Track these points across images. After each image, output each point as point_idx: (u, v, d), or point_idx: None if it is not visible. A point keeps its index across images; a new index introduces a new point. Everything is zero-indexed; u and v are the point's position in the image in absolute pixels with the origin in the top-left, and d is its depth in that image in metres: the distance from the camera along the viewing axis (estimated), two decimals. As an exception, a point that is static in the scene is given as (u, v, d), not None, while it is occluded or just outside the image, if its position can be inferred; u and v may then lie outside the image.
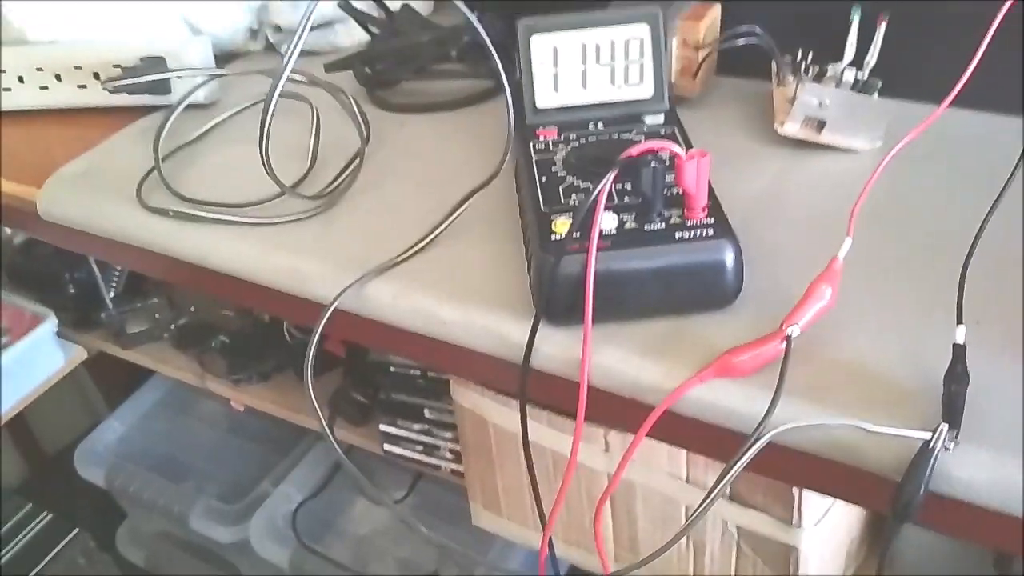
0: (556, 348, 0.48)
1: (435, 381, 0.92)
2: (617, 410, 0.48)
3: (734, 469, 0.40)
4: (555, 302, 0.47)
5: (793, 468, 0.44)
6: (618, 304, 0.48)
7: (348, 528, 1.12)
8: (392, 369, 0.93)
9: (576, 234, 0.47)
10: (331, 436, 0.51)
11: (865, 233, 0.50)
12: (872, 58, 0.61)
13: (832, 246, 0.47)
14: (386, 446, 0.98)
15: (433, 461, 0.96)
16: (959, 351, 0.42)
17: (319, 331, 0.52)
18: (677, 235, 0.47)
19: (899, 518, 0.40)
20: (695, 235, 0.47)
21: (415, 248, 0.55)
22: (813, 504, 0.65)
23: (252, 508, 1.10)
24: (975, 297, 0.44)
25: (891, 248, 0.52)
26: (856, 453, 0.42)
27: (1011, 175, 0.48)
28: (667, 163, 0.49)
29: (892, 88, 0.61)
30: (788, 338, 0.44)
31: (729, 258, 0.47)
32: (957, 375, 0.41)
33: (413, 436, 0.95)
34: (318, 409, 0.50)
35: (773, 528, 0.67)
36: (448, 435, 0.93)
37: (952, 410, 0.40)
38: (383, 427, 0.96)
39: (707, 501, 0.41)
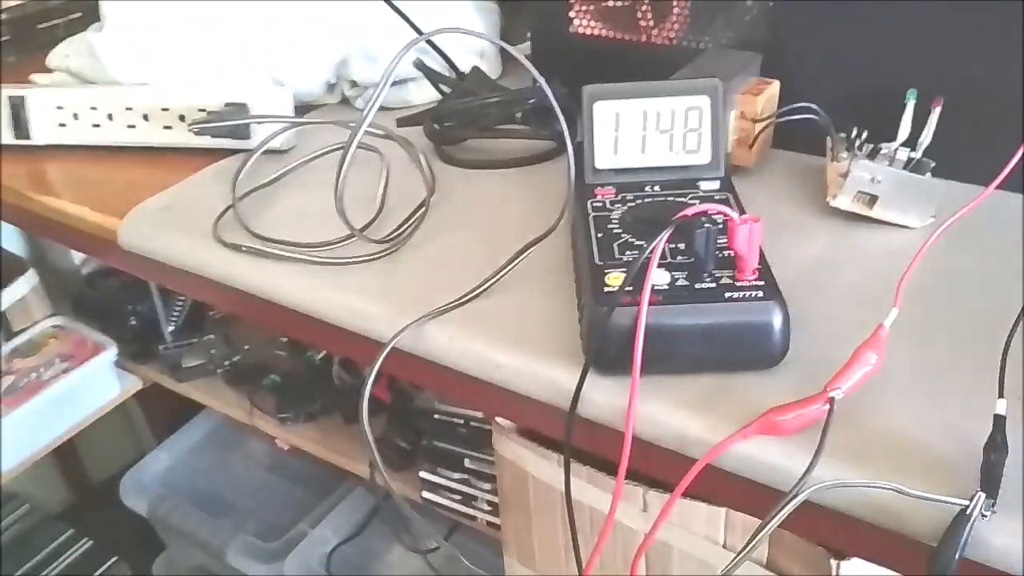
0: (603, 396, 0.50)
1: (478, 431, 0.93)
2: (659, 462, 0.49)
3: (771, 523, 0.41)
4: (605, 351, 0.49)
5: (830, 529, 0.45)
6: (666, 358, 0.49)
7: (381, 573, 1.13)
8: (436, 416, 0.95)
9: (629, 288, 0.49)
10: (380, 470, 0.53)
11: (912, 306, 0.51)
12: (926, 139, 0.63)
13: (879, 316, 0.49)
14: (424, 493, 0.99)
15: (470, 511, 0.97)
16: (999, 422, 0.43)
17: (377, 367, 0.54)
18: (727, 295, 0.49)
19: (934, 583, 0.40)
20: (744, 296, 0.49)
21: (473, 294, 0.57)
22: (850, 578, 0.65)
23: (288, 547, 1.11)
24: (1017, 373, 0.45)
25: (937, 322, 0.53)
26: (893, 517, 0.43)
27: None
28: (720, 226, 0.51)
29: (944, 170, 0.63)
30: (832, 400, 0.45)
31: (777, 319, 0.49)
32: (996, 445, 0.42)
33: (452, 485, 0.97)
34: (371, 440, 0.52)
35: (809, 600, 0.67)
36: (487, 486, 0.94)
37: (990, 479, 0.41)
38: (423, 474, 0.97)
39: (744, 551, 0.42)
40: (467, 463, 0.94)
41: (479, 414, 0.93)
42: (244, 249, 0.64)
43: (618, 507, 0.70)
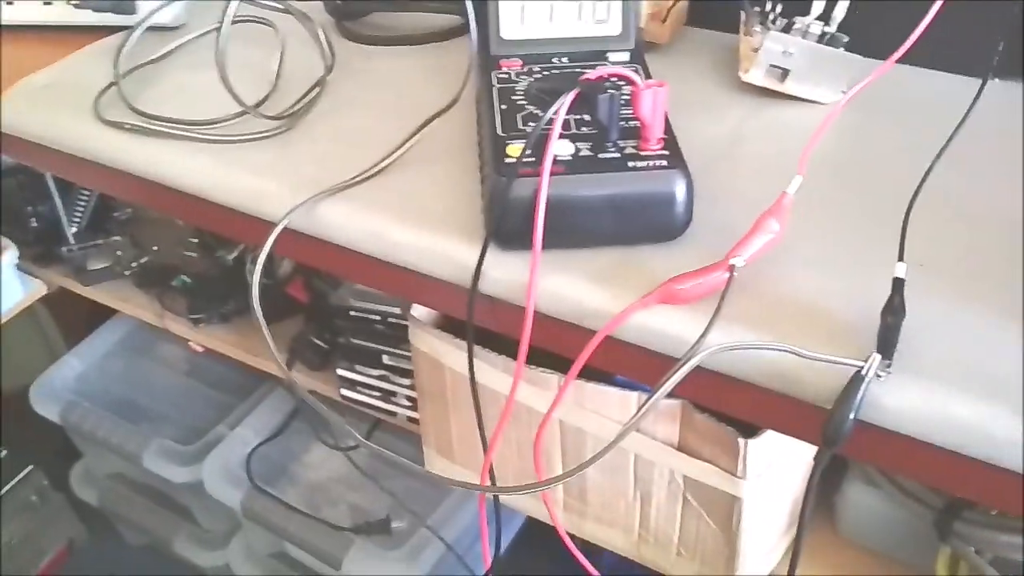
0: (505, 272, 0.48)
1: (395, 327, 0.91)
2: (563, 338, 0.48)
3: (665, 386, 0.41)
4: (506, 225, 0.48)
5: (727, 395, 0.45)
6: (568, 230, 0.48)
7: (302, 473, 1.12)
8: (352, 313, 0.93)
9: (531, 158, 0.47)
10: (280, 364, 0.51)
11: (819, 177, 0.50)
12: (840, 13, 0.61)
13: (785, 188, 0.48)
14: (343, 391, 0.97)
15: (390, 407, 0.96)
16: (898, 284, 0.42)
17: (268, 247, 0.52)
18: (630, 164, 0.47)
19: (828, 444, 0.40)
20: (648, 165, 0.47)
21: (371, 171, 0.55)
22: (758, 456, 0.65)
23: (206, 449, 1.09)
24: (921, 242, 0.45)
25: (842, 192, 0.53)
26: (792, 382, 0.42)
27: (956, 128, 0.49)
28: (626, 98, 0.49)
29: (858, 45, 0.62)
30: (732, 267, 0.44)
31: (680, 189, 0.47)
32: (894, 308, 0.42)
33: (371, 382, 0.95)
34: (265, 329, 0.50)
35: (718, 479, 0.68)
36: (406, 382, 0.93)
37: (886, 341, 0.41)
38: (341, 372, 0.96)
39: (637, 415, 0.42)
40: (385, 359, 0.93)
41: (396, 310, 0.91)
42: (127, 127, 0.60)
43: (534, 395, 0.70)
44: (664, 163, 0.47)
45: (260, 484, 1.06)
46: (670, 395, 0.41)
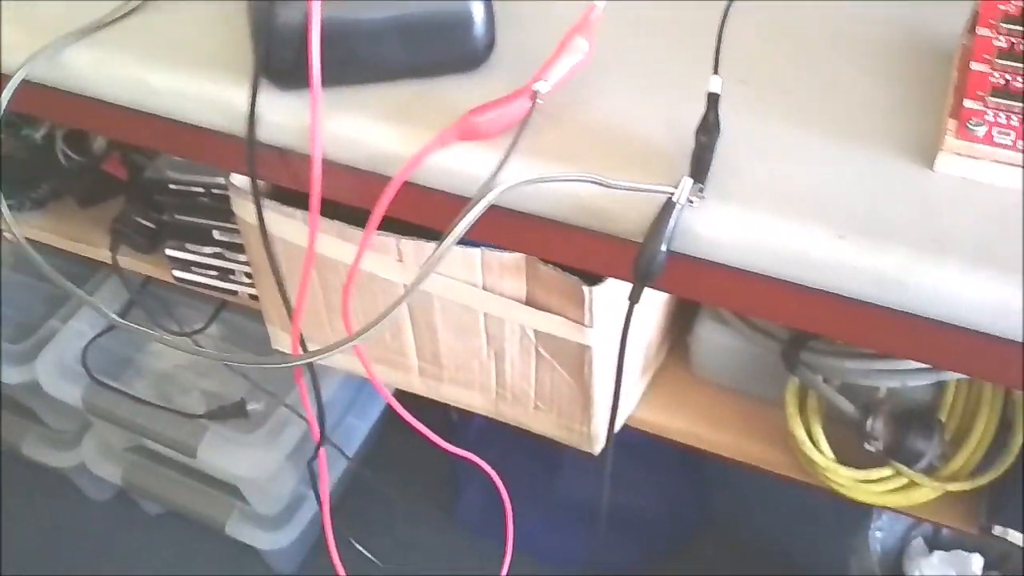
0: (286, 116, 0.42)
1: (222, 198, 0.84)
2: (360, 186, 0.43)
3: (456, 229, 0.36)
4: (277, 58, 0.41)
5: (534, 235, 0.40)
6: (352, 62, 0.42)
7: (148, 363, 1.05)
8: (172, 187, 0.84)
9: (301, -22, 0.40)
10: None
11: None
12: None
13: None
14: (176, 273, 0.90)
15: (229, 286, 0.89)
16: (712, 100, 0.38)
17: (4, 106, 0.43)
18: (418, -19, 0.41)
19: (641, 279, 0.37)
20: (439, -19, 0.41)
21: (125, 9, 0.46)
22: (604, 303, 0.63)
23: (39, 346, 1.01)
24: (745, 58, 0.41)
25: (659, 8, 0.47)
26: (600, 216, 0.38)
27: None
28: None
29: None
30: (535, 93, 0.39)
31: (477, 8, 0.41)
32: (708, 126, 0.38)
33: (204, 260, 0.88)
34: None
35: (567, 329, 0.65)
36: (242, 257, 0.86)
37: (700, 162, 0.37)
38: (169, 252, 0.88)
39: (432, 261, 0.37)
40: (216, 235, 0.86)
41: (220, 180, 0.83)
42: None
43: (373, 259, 0.66)
44: (457, -22, 0.41)
45: (101, 378, 0.98)
46: (512, 248, 0.36)
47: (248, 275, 0.87)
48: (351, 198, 0.44)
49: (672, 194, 0.36)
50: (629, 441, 0.73)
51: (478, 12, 0.41)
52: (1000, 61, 0.38)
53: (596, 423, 0.71)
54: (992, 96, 0.37)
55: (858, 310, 0.37)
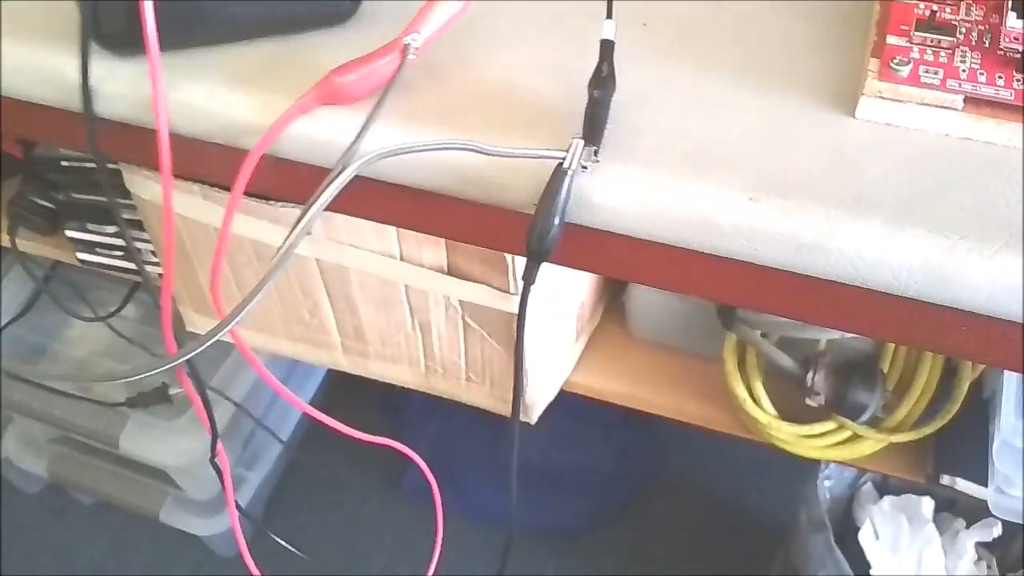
0: (123, 86, 0.37)
1: (118, 174, 0.78)
2: (216, 161, 0.38)
3: (312, 209, 0.31)
4: (107, 19, 0.35)
5: (413, 208, 0.36)
6: (198, 20, 0.36)
7: (64, 351, 0.99)
8: (64, 163, 0.78)
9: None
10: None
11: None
12: None
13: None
14: (80, 255, 0.84)
15: (136, 267, 0.83)
16: (606, 49, 0.33)
17: None
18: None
19: (535, 255, 0.32)
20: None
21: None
22: (528, 269, 0.59)
23: (-57, 340, 0.95)
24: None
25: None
26: (485, 187, 0.34)
27: None
28: None
29: None
30: (405, 48, 0.34)
31: (338, -48, 0.36)
32: (601, 79, 0.33)
33: (108, 240, 0.82)
34: None
35: (493, 298, 0.62)
36: (147, 235, 0.81)
37: (593, 122, 0.32)
38: (70, 233, 0.82)
39: (286, 247, 0.32)
40: (117, 213, 0.79)
41: (116, 153, 0.77)
42: None
43: (263, 228, 0.61)
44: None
45: (11, 370, 0.92)
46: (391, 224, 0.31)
47: (155, 253, 0.82)
48: (209, 174, 0.39)
49: (562, 159, 0.31)
50: (577, 401, 0.71)
51: (340, -44, 0.36)
52: (926, -11, 0.34)
53: (531, 392, 0.68)
54: (917, 30, 0.33)
55: (778, 279, 0.33)
